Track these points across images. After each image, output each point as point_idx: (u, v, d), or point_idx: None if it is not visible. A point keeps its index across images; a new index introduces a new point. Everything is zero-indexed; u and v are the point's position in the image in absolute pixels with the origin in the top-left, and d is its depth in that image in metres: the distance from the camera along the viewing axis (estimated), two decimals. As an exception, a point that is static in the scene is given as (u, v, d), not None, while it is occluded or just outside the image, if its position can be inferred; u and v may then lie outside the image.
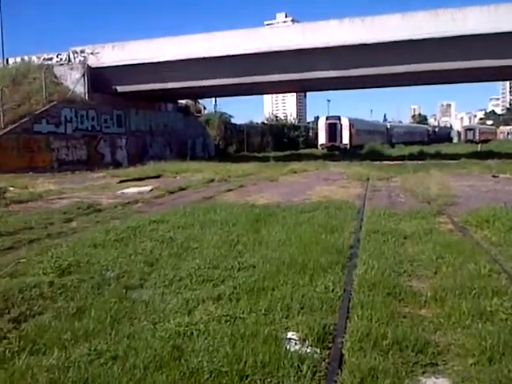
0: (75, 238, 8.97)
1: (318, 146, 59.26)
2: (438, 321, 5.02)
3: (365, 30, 28.49)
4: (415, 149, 53.81)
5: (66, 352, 4.28)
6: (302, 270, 6.57)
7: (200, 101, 59.86)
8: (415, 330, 4.67)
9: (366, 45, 28.26)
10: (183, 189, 18.45)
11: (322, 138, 58.35)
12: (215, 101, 59.47)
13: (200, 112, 58.34)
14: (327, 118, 60.13)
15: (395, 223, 10.31)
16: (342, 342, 4.47)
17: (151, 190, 17.74)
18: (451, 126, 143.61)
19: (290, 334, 4.66)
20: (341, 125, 57.04)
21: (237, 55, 30.40)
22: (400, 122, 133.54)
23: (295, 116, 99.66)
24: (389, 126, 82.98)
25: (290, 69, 30.66)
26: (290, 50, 29.52)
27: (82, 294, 5.79)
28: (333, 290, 5.80)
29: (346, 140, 56.87)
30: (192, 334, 4.62)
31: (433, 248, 7.84)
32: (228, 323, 4.85)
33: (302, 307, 5.28)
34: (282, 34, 30.69)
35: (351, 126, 58.32)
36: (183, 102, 50.07)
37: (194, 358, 4.09)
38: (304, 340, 4.53)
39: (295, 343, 4.48)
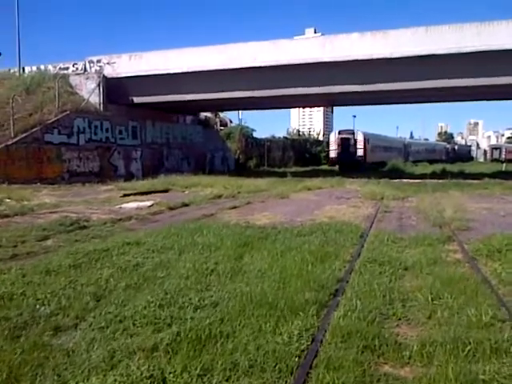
0: (36, 261, 8.08)
1: (328, 162, 55.52)
2: (419, 388, 4.02)
3: (387, 44, 27.48)
4: (438, 167, 52.40)
5: None
6: (271, 310, 5.58)
7: (226, 114, 59.34)
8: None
9: (388, 59, 27.26)
10: (186, 205, 17.58)
11: (333, 154, 53.87)
12: (239, 114, 58.60)
13: (226, 125, 57.76)
14: (340, 133, 55.55)
15: (398, 251, 9.29)
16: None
17: (151, 206, 16.89)
18: (477, 145, 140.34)
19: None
20: (355, 140, 53.15)
21: (254, 67, 29.60)
22: (421, 138, 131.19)
23: (322, 131, 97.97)
24: (406, 143, 79.41)
25: (310, 82, 29.75)
26: (309, 64, 28.62)
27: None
28: (298, 341, 4.81)
29: (359, 156, 52.89)
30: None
31: (432, 284, 6.81)
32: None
33: (252, 365, 4.30)
34: (301, 47, 29.69)
35: (366, 141, 54.40)
36: (206, 114, 49.52)
37: None
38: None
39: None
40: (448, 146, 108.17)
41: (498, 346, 4.69)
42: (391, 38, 27.66)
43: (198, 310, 5.68)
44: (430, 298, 6.20)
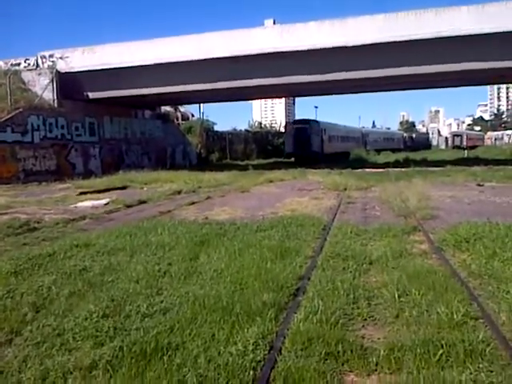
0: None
1: (285, 155, 51.98)
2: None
3: (345, 32, 27.08)
4: (401, 155, 52.45)
5: None
6: (225, 316, 5.11)
7: (188, 108, 58.44)
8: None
9: (346, 48, 26.90)
10: (144, 202, 16.98)
11: (288, 146, 49.87)
12: (199, 108, 57.62)
13: (188, 119, 56.92)
14: (295, 122, 52.69)
15: (362, 244, 8.93)
16: None
17: (107, 204, 16.26)
18: (438, 132, 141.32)
19: None
20: (311, 130, 48.39)
21: (211, 59, 28.93)
22: (383, 127, 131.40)
23: (284, 123, 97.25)
24: (364, 132, 76.46)
25: (268, 73, 29.20)
26: (267, 53, 28.10)
27: None
28: (253, 351, 4.35)
29: (316, 147, 48.49)
30: None
31: (399, 279, 6.42)
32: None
33: (201, 382, 3.83)
34: (258, 37, 29.06)
35: (323, 131, 50.66)
36: (166, 108, 48.63)
37: None
38: None
39: None
40: (405, 134, 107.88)
41: (472, 348, 4.30)
42: (349, 26, 27.27)
43: (146, 319, 5.18)
44: (396, 295, 5.80)
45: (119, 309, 5.45)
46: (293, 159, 48.74)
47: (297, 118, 61.91)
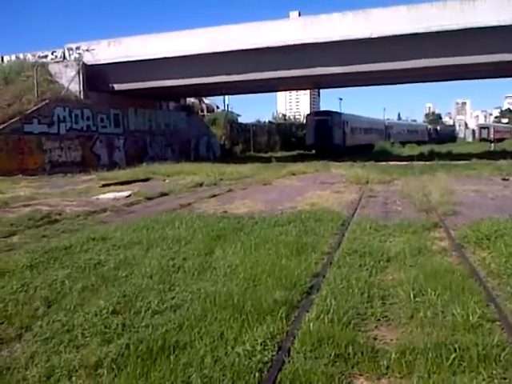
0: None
1: (306, 147, 51.22)
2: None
3: (369, 24, 26.83)
4: (425, 148, 51.79)
5: None
6: (235, 314, 5.04)
7: (213, 99, 58.40)
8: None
9: (370, 39, 26.63)
10: (165, 194, 17.03)
11: (310, 138, 48.89)
12: (224, 100, 57.48)
13: (213, 111, 56.93)
14: (316, 114, 52.21)
15: (381, 240, 8.81)
16: None
17: (128, 196, 16.32)
18: (465, 124, 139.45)
19: None
20: (332, 122, 47.30)
21: (236, 51, 28.89)
22: (408, 119, 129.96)
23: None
24: (387, 124, 74.87)
25: (293, 65, 29.05)
26: (291, 45, 27.95)
27: None
28: (261, 351, 4.27)
29: (338, 140, 47.42)
30: None
31: (416, 277, 6.30)
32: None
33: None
34: (282, 29, 28.87)
35: (345, 123, 49.69)
36: (191, 100, 48.65)
37: None
38: None
39: None
40: (430, 126, 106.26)
41: (486, 352, 4.16)
42: (373, 17, 27.00)
43: (156, 316, 5.15)
44: (412, 295, 5.68)
45: (130, 305, 5.42)
46: (314, 151, 48.22)
47: (321, 109, 61.24)
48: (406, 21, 25.88)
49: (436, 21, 25.08)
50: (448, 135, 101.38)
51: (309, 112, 62.15)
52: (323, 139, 46.18)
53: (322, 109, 66.45)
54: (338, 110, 54.39)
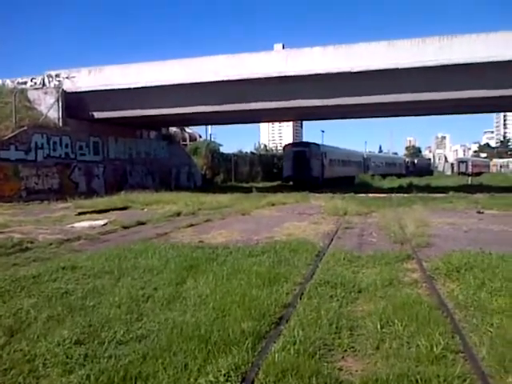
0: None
1: (284, 179, 50.04)
2: None
3: (349, 58, 27.13)
4: (405, 181, 52.19)
5: None
6: (201, 344, 5.01)
7: (195, 129, 58.42)
8: None
9: (351, 73, 26.95)
10: (142, 223, 16.90)
11: (287, 170, 47.92)
12: (206, 129, 57.55)
13: (195, 140, 56.92)
14: (294, 145, 51.92)
15: (354, 271, 8.82)
16: None
17: (104, 225, 16.21)
18: (444, 158, 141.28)
19: None
20: (310, 153, 46.72)
21: (218, 81, 29.03)
22: (389, 152, 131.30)
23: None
24: (365, 156, 74.73)
25: (275, 96, 29.25)
26: (273, 77, 28.19)
27: None
28: (224, 383, 4.25)
29: (316, 172, 46.86)
30: None
31: (384, 309, 6.32)
32: None
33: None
34: (264, 61, 29.18)
35: (323, 155, 49.13)
36: (172, 129, 48.68)
37: None
38: None
39: None
40: (407, 159, 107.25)
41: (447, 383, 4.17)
42: (353, 51, 27.32)
43: (120, 346, 5.09)
44: (379, 326, 5.68)
45: (95, 335, 5.35)
46: (291, 183, 47.50)
47: (303, 140, 61.24)
48: (387, 56, 26.22)
49: (416, 57, 25.48)
50: (425, 168, 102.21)
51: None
52: (301, 171, 45.49)
53: (304, 140, 66.50)
54: (320, 142, 54.31)
